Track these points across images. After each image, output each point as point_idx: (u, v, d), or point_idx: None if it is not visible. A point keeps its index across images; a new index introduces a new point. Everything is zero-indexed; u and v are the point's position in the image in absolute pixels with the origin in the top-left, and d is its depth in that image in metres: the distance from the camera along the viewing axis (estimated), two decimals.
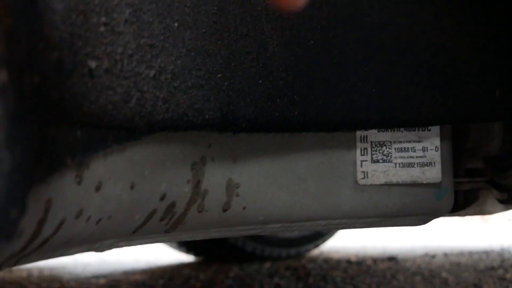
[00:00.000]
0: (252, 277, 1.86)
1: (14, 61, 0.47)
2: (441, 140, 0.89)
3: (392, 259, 2.13)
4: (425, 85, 0.81)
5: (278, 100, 0.75)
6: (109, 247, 0.77)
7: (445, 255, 2.21)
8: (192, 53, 0.68)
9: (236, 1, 0.72)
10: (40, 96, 0.50)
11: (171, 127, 0.67)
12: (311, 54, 0.76)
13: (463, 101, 0.82)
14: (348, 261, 2.10)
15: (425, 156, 0.88)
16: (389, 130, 0.87)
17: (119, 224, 0.71)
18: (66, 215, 0.59)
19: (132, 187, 0.68)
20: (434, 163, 0.88)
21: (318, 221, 0.88)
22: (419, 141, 0.88)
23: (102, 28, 0.58)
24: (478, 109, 0.83)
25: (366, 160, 0.87)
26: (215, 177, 0.79)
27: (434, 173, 0.88)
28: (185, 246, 2.10)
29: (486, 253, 2.23)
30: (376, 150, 0.87)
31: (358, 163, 0.87)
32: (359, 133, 0.87)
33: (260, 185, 0.82)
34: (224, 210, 0.81)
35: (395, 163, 0.87)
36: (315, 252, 2.27)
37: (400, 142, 0.88)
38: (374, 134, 0.87)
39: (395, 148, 0.87)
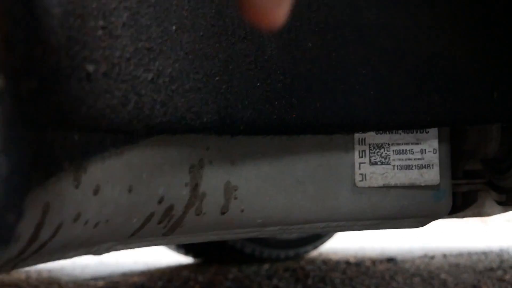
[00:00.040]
0: (251, 279, 1.86)
1: (11, 66, 0.47)
2: (439, 142, 0.89)
3: (391, 260, 2.13)
4: (423, 87, 0.81)
5: (276, 103, 0.75)
6: (107, 250, 0.77)
7: (444, 256, 2.21)
8: (190, 56, 0.68)
9: (234, 4, 0.72)
10: (38, 101, 0.50)
11: (169, 130, 0.67)
12: (308, 56, 0.76)
13: (461, 103, 0.82)
14: (347, 263, 2.10)
15: (423, 158, 0.88)
16: (387, 132, 0.87)
17: (117, 227, 0.71)
18: (63, 218, 0.59)
19: (130, 191, 0.68)
20: (432, 165, 0.88)
21: (317, 224, 0.88)
22: (417, 143, 0.88)
23: (100, 32, 0.58)
24: (476, 111, 0.83)
25: (364, 163, 0.87)
26: (213, 180, 0.79)
27: (432, 175, 0.88)
28: (184, 247, 2.10)
29: (485, 254, 2.23)
30: (374, 153, 0.87)
31: (356, 165, 0.87)
32: (357, 136, 0.87)
33: (258, 188, 0.82)
34: (222, 213, 0.81)
35: (393, 165, 0.87)
36: (314, 253, 2.27)
37: (398, 144, 0.88)
38: (372, 137, 0.87)
39: (393, 150, 0.87)
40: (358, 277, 1.84)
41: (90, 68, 0.57)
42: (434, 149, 0.88)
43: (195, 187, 0.77)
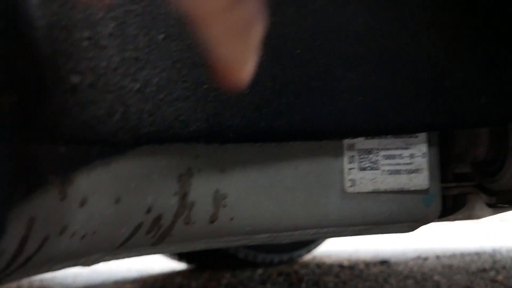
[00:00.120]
0: (244, 284, 1.86)
1: None
2: (428, 146, 0.89)
3: (384, 262, 2.13)
4: (411, 93, 0.80)
5: (265, 110, 0.75)
6: (95, 261, 0.76)
7: (437, 257, 2.21)
8: (178, 65, 0.68)
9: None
10: (20, 115, 0.50)
11: (157, 140, 0.67)
12: (297, 63, 0.76)
13: (449, 107, 0.82)
14: (341, 266, 2.10)
15: (413, 163, 0.88)
16: (376, 137, 0.87)
17: (105, 238, 0.70)
18: (49, 232, 0.59)
19: (117, 201, 0.68)
20: (422, 169, 0.88)
21: (307, 230, 0.88)
22: (406, 148, 0.88)
23: (85, 43, 0.58)
24: (464, 116, 0.83)
25: (354, 168, 0.87)
26: (202, 188, 0.79)
27: (421, 180, 0.88)
28: (177, 254, 2.10)
29: (478, 254, 2.24)
30: (363, 158, 0.87)
31: (346, 171, 0.87)
32: (346, 141, 0.87)
33: (247, 196, 0.82)
34: (212, 222, 0.81)
35: (383, 171, 0.87)
36: (308, 257, 2.26)
37: (387, 149, 0.88)
38: (361, 142, 0.87)
39: (382, 156, 0.87)
40: (351, 280, 1.84)
41: (76, 79, 0.56)
42: (423, 153, 0.88)
43: (184, 196, 0.76)
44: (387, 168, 0.87)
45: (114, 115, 0.61)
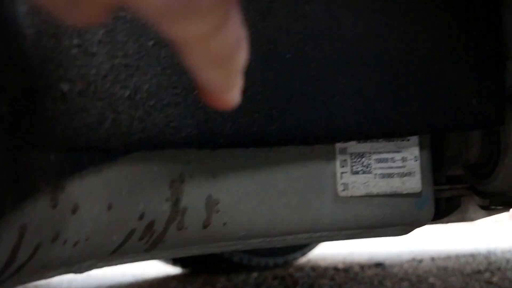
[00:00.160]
0: None
1: None
2: (420, 149, 0.89)
3: (379, 265, 2.13)
4: (402, 96, 0.81)
5: (256, 115, 0.75)
6: (88, 268, 0.76)
7: (432, 259, 2.21)
8: (168, 71, 0.68)
9: None
10: (10, 124, 0.50)
11: (148, 146, 0.67)
12: (288, 67, 0.76)
13: (441, 110, 0.82)
14: (336, 269, 2.10)
15: (405, 166, 0.88)
16: (368, 141, 0.87)
17: (97, 245, 0.70)
18: (41, 239, 0.59)
19: (109, 208, 0.68)
20: (414, 172, 0.88)
21: (300, 235, 0.88)
22: (398, 152, 0.88)
23: (74, 50, 0.58)
24: (456, 118, 0.83)
25: (346, 172, 0.87)
26: (195, 194, 0.79)
27: (414, 183, 0.88)
28: (172, 258, 2.10)
29: (473, 256, 2.24)
30: (355, 162, 0.87)
31: (338, 175, 0.87)
32: (338, 145, 0.87)
33: (240, 201, 0.82)
34: (205, 227, 0.81)
35: (375, 174, 0.87)
36: (303, 260, 2.27)
37: (379, 152, 0.88)
38: (353, 146, 0.87)
39: (374, 159, 0.87)
40: (346, 283, 1.84)
41: (65, 87, 0.56)
42: (415, 156, 0.88)
43: (176, 202, 0.76)
44: (379, 171, 0.87)
45: (104, 122, 0.61)
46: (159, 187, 0.74)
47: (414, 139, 0.88)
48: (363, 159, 0.87)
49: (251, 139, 0.75)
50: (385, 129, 0.82)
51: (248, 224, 0.83)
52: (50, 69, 0.55)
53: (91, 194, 0.65)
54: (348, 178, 0.87)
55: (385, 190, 0.88)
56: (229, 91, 0.34)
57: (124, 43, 0.63)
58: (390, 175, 0.88)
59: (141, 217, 0.73)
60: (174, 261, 2.11)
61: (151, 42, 0.66)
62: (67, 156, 0.59)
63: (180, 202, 0.77)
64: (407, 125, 0.81)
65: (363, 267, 2.10)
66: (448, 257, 2.24)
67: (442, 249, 2.46)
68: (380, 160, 0.87)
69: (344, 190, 0.87)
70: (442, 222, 1.12)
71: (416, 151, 0.89)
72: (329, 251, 2.50)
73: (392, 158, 0.88)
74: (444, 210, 1.05)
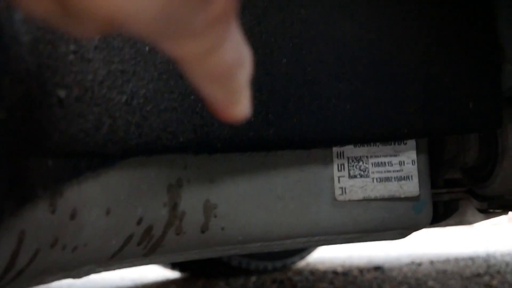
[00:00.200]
0: None
1: None
2: (418, 153, 0.89)
3: (378, 268, 2.13)
4: (399, 100, 0.81)
5: (253, 120, 0.75)
6: (87, 273, 0.76)
7: (431, 262, 2.21)
8: (164, 76, 0.68)
9: None
10: (8, 130, 0.50)
11: (145, 151, 0.67)
12: (284, 72, 0.76)
13: (438, 114, 0.82)
14: (335, 272, 2.10)
15: (402, 170, 0.88)
16: (366, 145, 0.87)
17: (96, 250, 0.70)
18: (40, 245, 0.59)
19: (107, 213, 0.68)
20: (411, 176, 0.88)
21: (298, 239, 0.88)
22: (395, 155, 0.88)
23: (71, 56, 0.58)
24: (453, 122, 0.83)
25: (344, 176, 0.87)
26: (192, 198, 0.79)
27: (411, 187, 0.89)
28: (170, 262, 2.10)
29: (472, 259, 2.24)
30: (353, 166, 0.87)
31: (336, 179, 0.87)
32: (335, 149, 0.87)
33: (238, 205, 0.82)
34: (203, 232, 0.81)
35: (373, 178, 0.88)
36: (301, 264, 2.27)
37: (376, 156, 0.88)
38: (350, 150, 0.87)
39: (372, 163, 0.88)
40: (345, 287, 1.84)
41: (62, 93, 0.57)
42: (412, 160, 0.89)
43: (174, 207, 0.77)
44: (377, 175, 0.88)
45: (101, 127, 0.61)
46: (157, 192, 0.74)
47: (411, 142, 0.89)
48: (361, 163, 0.87)
49: (248, 143, 0.75)
50: (382, 133, 0.82)
51: (246, 229, 0.84)
52: (47, 75, 0.55)
53: (89, 200, 0.65)
54: (346, 182, 0.87)
55: (383, 194, 0.88)
56: (235, 105, 0.34)
57: (120, 49, 0.64)
58: (387, 179, 0.88)
59: (139, 222, 0.73)
60: (173, 265, 2.11)
61: (147, 47, 0.66)
62: (65, 161, 0.59)
63: (178, 207, 0.77)
64: (404, 129, 0.81)
65: (362, 270, 2.10)
66: (447, 260, 2.24)
67: (441, 253, 2.46)
68: (377, 164, 0.88)
69: (341, 194, 0.87)
70: (440, 226, 1.12)
71: (413, 154, 0.89)
72: (327, 255, 2.50)
73: (389, 162, 0.88)
74: (442, 214, 1.05)
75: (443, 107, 0.82)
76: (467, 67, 0.83)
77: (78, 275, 0.75)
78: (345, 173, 0.87)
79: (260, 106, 0.75)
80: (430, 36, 0.82)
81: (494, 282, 1.80)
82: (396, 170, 0.88)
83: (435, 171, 0.97)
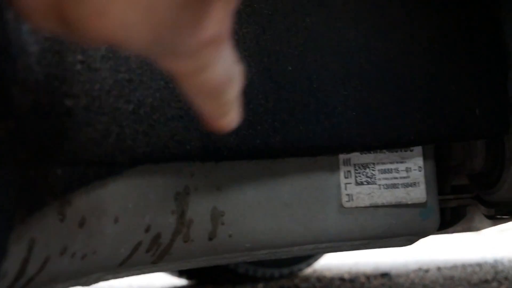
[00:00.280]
0: None
1: None
2: (424, 159, 0.89)
3: (385, 275, 2.13)
4: (405, 106, 0.81)
5: (259, 127, 0.75)
6: (96, 280, 0.77)
7: (439, 269, 2.21)
8: (170, 85, 0.68)
9: None
10: (17, 140, 0.50)
11: (153, 159, 0.68)
12: (289, 80, 0.77)
13: (444, 120, 0.82)
14: (341, 279, 2.10)
15: (409, 177, 0.88)
16: (372, 152, 0.87)
17: (105, 258, 0.71)
18: (50, 252, 0.60)
19: (116, 221, 0.69)
20: (418, 183, 0.89)
21: (305, 246, 0.88)
22: (402, 162, 0.88)
23: (78, 66, 0.59)
24: (459, 128, 0.84)
25: (350, 183, 0.87)
26: (200, 206, 0.79)
27: (418, 193, 0.89)
28: (177, 270, 2.10)
29: (480, 265, 2.23)
30: (359, 173, 0.87)
31: (342, 186, 0.87)
32: (341, 156, 0.87)
33: (245, 212, 0.83)
34: (210, 239, 0.81)
35: (379, 185, 0.88)
36: (308, 271, 2.26)
37: (383, 163, 0.88)
38: (357, 157, 0.87)
39: (378, 170, 0.88)
40: None
41: (70, 102, 0.57)
42: (419, 167, 0.89)
43: (181, 214, 0.77)
44: (383, 182, 0.88)
45: (109, 136, 0.62)
46: (165, 200, 0.75)
47: (418, 149, 0.89)
48: (367, 170, 0.87)
49: (255, 151, 0.76)
50: (388, 140, 0.82)
51: (254, 236, 0.84)
52: (55, 85, 0.55)
53: (98, 208, 0.65)
54: (353, 189, 0.87)
55: (390, 201, 0.88)
56: (224, 117, 0.37)
57: (127, 58, 0.64)
58: (394, 186, 0.88)
59: (147, 229, 0.73)
60: (180, 273, 2.11)
61: None
62: (73, 170, 0.60)
63: (185, 215, 0.77)
64: (410, 135, 0.82)
65: (369, 277, 2.10)
66: (454, 267, 2.23)
67: (448, 259, 2.45)
68: (384, 171, 0.88)
69: (348, 201, 0.87)
70: (448, 232, 1.12)
71: (420, 161, 0.89)
72: (334, 262, 2.49)
73: (396, 169, 0.88)
74: (450, 220, 1.05)
75: (450, 114, 0.83)
76: (473, 73, 0.83)
77: (87, 283, 0.76)
78: (352, 180, 0.87)
79: (266, 114, 0.75)
80: (436, 43, 0.82)
81: None
82: (403, 177, 0.88)
83: (442, 177, 0.97)
